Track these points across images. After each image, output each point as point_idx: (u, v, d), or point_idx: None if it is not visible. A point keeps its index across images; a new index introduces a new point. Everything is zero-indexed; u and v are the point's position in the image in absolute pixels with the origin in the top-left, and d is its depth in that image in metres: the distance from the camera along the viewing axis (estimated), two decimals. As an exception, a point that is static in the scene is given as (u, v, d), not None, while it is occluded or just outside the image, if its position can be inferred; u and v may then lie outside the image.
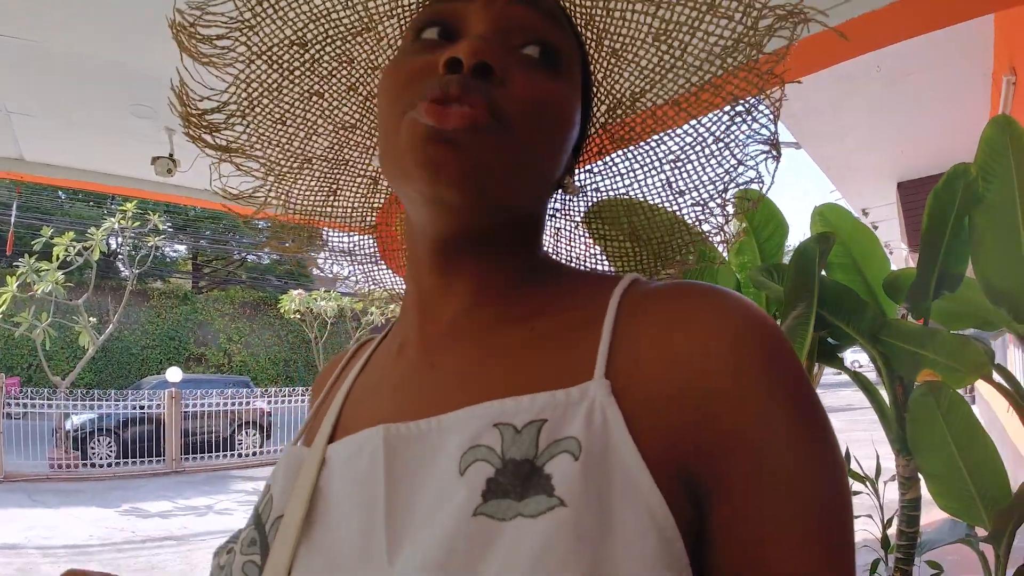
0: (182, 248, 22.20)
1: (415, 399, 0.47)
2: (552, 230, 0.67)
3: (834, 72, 3.35)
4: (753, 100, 0.55)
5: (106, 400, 10.88)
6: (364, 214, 0.71)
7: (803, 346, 2.04)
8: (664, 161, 0.60)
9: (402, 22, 0.58)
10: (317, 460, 0.48)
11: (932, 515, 2.12)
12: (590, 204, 0.64)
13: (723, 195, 0.59)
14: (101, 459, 10.46)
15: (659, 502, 0.37)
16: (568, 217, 0.66)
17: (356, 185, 0.69)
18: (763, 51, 0.52)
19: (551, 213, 0.65)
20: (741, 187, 0.59)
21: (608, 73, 0.57)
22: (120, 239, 13.70)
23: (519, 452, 0.38)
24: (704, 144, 0.58)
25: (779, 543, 0.37)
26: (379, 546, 0.41)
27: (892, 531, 2.05)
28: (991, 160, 1.76)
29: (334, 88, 0.62)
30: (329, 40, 0.59)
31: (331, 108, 0.62)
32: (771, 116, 0.56)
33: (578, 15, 0.54)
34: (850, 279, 2.29)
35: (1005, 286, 1.81)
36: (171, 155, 3.32)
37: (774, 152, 0.57)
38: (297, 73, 0.60)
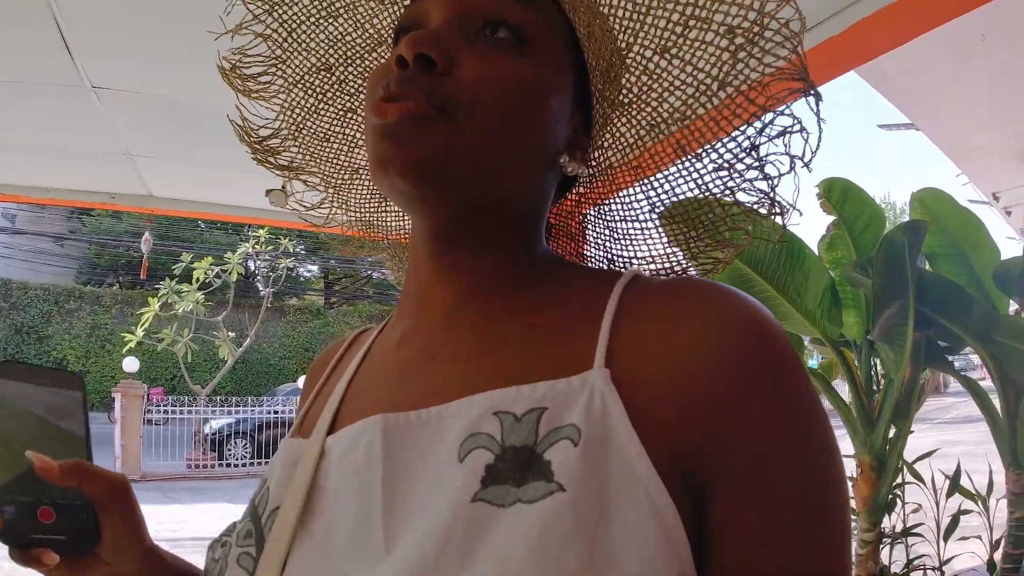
0: (314, 268, 24.08)
1: (415, 390, 0.47)
2: (579, 218, 0.66)
3: (946, 41, 3.06)
4: (756, 26, 0.48)
5: (243, 406, 12.01)
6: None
7: (903, 348, 1.87)
8: (671, 121, 0.55)
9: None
10: (315, 452, 0.48)
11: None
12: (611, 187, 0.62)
13: (754, 152, 0.52)
14: (237, 460, 11.48)
15: (659, 489, 0.37)
16: (592, 202, 0.65)
17: None
18: None
19: (592, 225, 0.65)
20: (777, 138, 0.50)
21: (592, 35, 0.53)
22: (256, 262, 15.09)
23: (519, 439, 0.39)
24: (709, 93, 0.52)
25: (775, 544, 0.37)
26: (376, 535, 0.41)
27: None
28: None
29: (363, 103, 0.65)
30: (350, 60, 0.65)
31: (366, 124, 0.69)
32: (788, 43, 0.48)
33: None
34: (957, 271, 2.09)
35: None
36: (284, 187, 3.64)
37: (808, 86, 0.48)
38: (330, 94, 0.66)
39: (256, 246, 12.84)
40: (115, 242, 20.58)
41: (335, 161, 0.70)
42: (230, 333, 12.75)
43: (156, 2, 1.83)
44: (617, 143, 0.60)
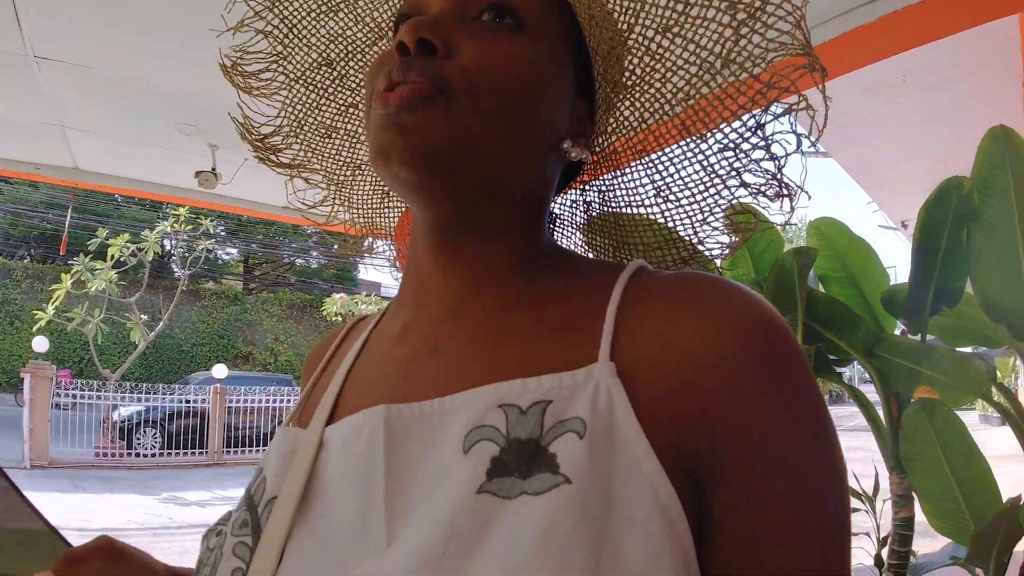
0: (234, 251, 23.06)
1: (418, 381, 0.47)
2: (583, 205, 0.65)
3: (864, 82, 3.31)
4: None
5: (153, 393, 11.46)
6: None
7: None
8: (674, 102, 0.55)
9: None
10: (314, 442, 0.47)
11: (934, 540, 2.09)
12: (615, 173, 0.61)
13: (760, 131, 0.51)
14: (146, 449, 10.94)
15: (663, 483, 0.37)
16: (596, 190, 0.64)
17: None
18: None
19: (584, 207, 0.64)
20: (783, 115, 0.51)
21: (593, 16, 0.52)
22: (174, 241, 14.37)
23: (524, 432, 0.38)
24: (713, 72, 0.52)
25: (775, 539, 0.37)
26: (377, 526, 0.40)
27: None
28: (989, 173, 1.74)
29: (365, 98, 0.66)
30: (350, 55, 0.64)
31: (366, 117, 0.67)
32: (792, 15, 0.48)
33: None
34: (847, 293, 2.28)
35: (1005, 304, 1.79)
36: (213, 169, 3.53)
37: (812, 62, 0.48)
38: (331, 90, 0.66)
39: (175, 225, 12.21)
40: (31, 212, 19.17)
41: (337, 157, 0.69)
42: (143, 316, 12.11)
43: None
44: (621, 127, 0.59)
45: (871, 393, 2.32)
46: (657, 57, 0.53)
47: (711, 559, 0.38)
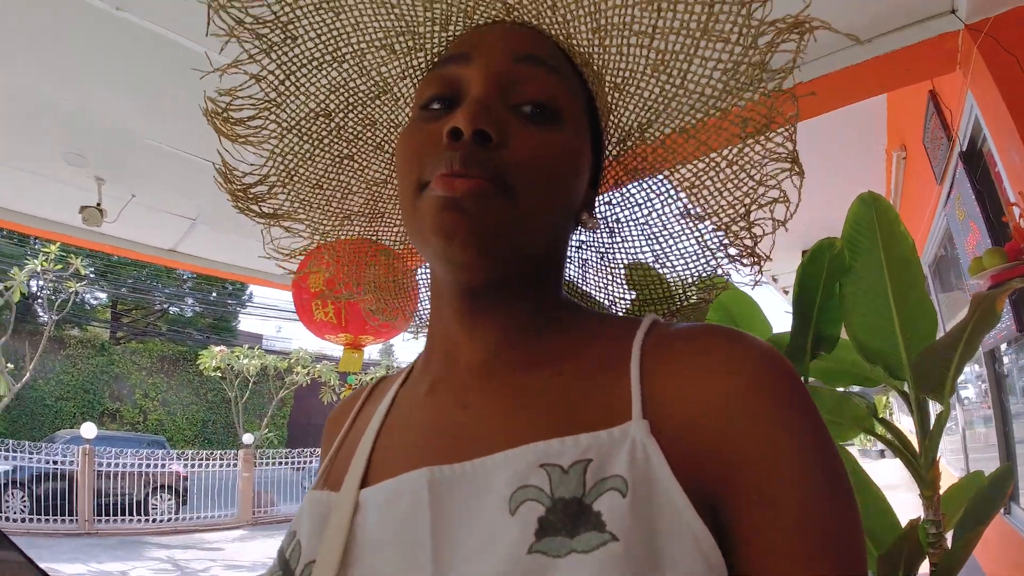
0: (102, 295, 20.96)
1: (453, 441, 0.48)
2: (579, 261, 0.69)
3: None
4: (764, 120, 0.55)
5: (20, 452, 10.18)
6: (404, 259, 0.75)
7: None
8: (679, 188, 0.61)
9: (415, 81, 0.62)
10: (350, 505, 0.48)
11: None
12: (613, 236, 0.67)
13: (746, 217, 0.59)
14: (15, 513, 9.73)
15: (704, 533, 0.39)
16: (594, 248, 0.68)
17: (393, 234, 0.72)
18: (768, 70, 0.52)
19: (577, 245, 0.68)
20: (766, 206, 0.59)
21: (614, 107, 0.58)
22: (41, 281, 13.04)
23: (567, 491, 0.40)
24: (718, 169, 0.58)
25: (791, 563, 0.39)
26: None
27: None
28: (858, 234, 1.95)
29: (362, 149, 0.65)
30: (351, 107, 0.63)
31: (362, 168, 0.66)
32: (786, 133, 0.56)
33: (575, 55, 0.55)
34: (732, 342, 2.47)
35: (878, 347, 1.97)
36: (99, 204, 3.30)
37: (797, 168, 0.57)
38: (327, 140, 0.64)
39: (44, 263, 11.05)
40: None
41: (326, 208, 0.68)
42: (8, 364, 10.77)
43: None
44: (627, 202, 0.65)
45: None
46: (671, 150, 0.59)
47: None
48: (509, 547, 0.39)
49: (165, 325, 21.84)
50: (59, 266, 11.57)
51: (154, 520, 10.95)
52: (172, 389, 19.08)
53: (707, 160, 0.58)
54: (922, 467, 1.94)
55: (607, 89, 0.57)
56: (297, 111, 0.62)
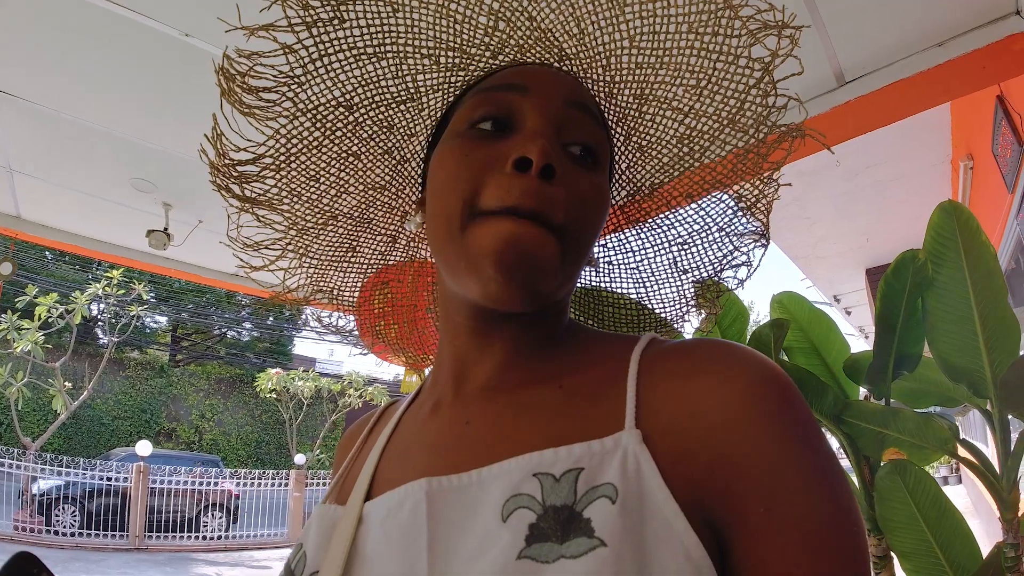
0: (162, 319, 21.84)
1: (453, 454, 0.49)
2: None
3: (797, 167, 3.57)
4: (753, 198, 0.62)
5: (75, 468, 10.60)
6: (375, 269, 0.73)
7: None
8: (673, 243, 0.67)
9: (447, 96, 0.61)
10: (354, 517, 0.49)
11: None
12: (601, 275, 0.72)
13: (718, 274, 0.66)
14: (65, 527, 10.08)
15: (695, 543, 0.39)
16: (579, 282, 0.73)
17: (375, 243, 0.71)
18: (765, 157, 0.59)
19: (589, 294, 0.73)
20: (734, 267, 0.67)
21: (631, 164, 0.62)
22: (103, 305, 13.62)
23: (558, 499, 0.41)
24: (709, 231, 0.65)
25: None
26: None
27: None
28: (940, 245, 1.87)
29: (371, 150, 0.63)
30: (374, 105, 0.60)
31: (365, 169, 0.64)
32: (765, 211, 0.63)
33: (611, 112, 0.59)
34: (811, 363, 2.37)
35: (962, 364, 1.88)
36: (166, 229, 3.42)
37: (764, 241, 0.65)
38: (339, 133, 0.61)
39: (107, 288, 11.56)
40: None
41: (315, 203, 0.65)
42: (66, 383, 11.26)
43: (83, 16, 1.74)
44: (622, 247, 0.70)
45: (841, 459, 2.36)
46: (670, 207, 0.66)
47: None
48: (499, 553, 0.39)
49: (223, 348, 22.60)
50: (121, 291, 12.07)
51: (204, 537, 11.19)
52: (228, 410, 19.68)
53: (703, 223, 0.65)
54: (1004, 489, 1.84)
55: (631, 148, 0.61)
56: (319, 96, 0.58)
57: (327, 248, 0.69)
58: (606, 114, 0.59)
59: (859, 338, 6.52)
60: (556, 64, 0.58)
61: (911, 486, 1.84)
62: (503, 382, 0.53)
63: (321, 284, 0.71)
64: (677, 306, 0.70)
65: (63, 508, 10.27)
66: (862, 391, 2.38)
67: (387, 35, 0.56)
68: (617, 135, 0.61)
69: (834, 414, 2.09)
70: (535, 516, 0.40)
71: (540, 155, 0.46)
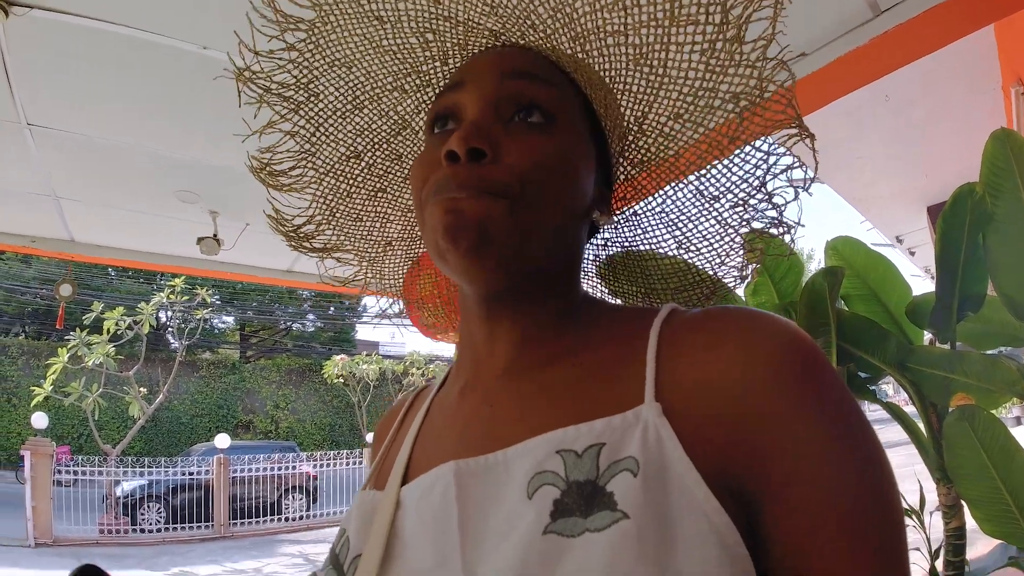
0: (230, 320, 22.86)
1: (479, 436, 0.50)
2: (608, 260, 0.70)
3: (844, 106, 3.39)
4: (755, 92, 0.54)
5: (156, 467, 11.18)
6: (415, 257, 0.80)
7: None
8: (688, 171, 0.62)
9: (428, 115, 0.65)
10: (392, 502, 0.51)
11: (985, 544, 2.04)
12: (634, 229, 0.67)
13: (763, 189, 0.58)
14: (150, 525, 10.68)
15: (717, 511, 0.39)
16: (619, 244, 0.69)
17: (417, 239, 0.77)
18: (745, 42, 0.52)
19: (603, 243, 0.69)
20: (779, 188, 0.58)
21: (607, 106, 0.59)
22: (169, 313, 14.32)
23: (581, 474, 0.41)
24: (721, 147, 0.59)
25: (824, 548, 0.38)
26: (454, 572, 0.43)
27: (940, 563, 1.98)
28: (996, 176, 1.76)
29: (392, 182, 0.70)
30: (376, 145, 0.68)
31: (395, 197, 0.71)
32: (784, 100, 0.54)
33: (564, 64, 0.56)
34: (872, 310, 2.28)
35: (1027, 300, 1.79)
36: (215, 235, 3.54)
37: (804, 133, 0.54)
38: (360, 178, 0.69)
39: (171, 296, 12.16)
40: (23, 288, 19.03)
41: (368, 237, 0.73)
42: (141, 389, 11.94)
43: (104, 44, 1.80)
44: (640, 194, 0.66)
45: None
46: (671, 138, 0.60)
47: (770, 572, 0.40)
48: (525, 530, 0.40)
49: (290, 341, 23.53)
50: (186, 297, 12.64)
51: (286, 519, 11.73)
52: (300, 398, 20.49)
53: (709, 140, 0.59)
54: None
55: (601, 92, 0.57)
56: (330, 156, 0.67)
57: (398, 267, 0.78)
58: (565, 68, 0.56)
59: (925, 279, 6.20)
60: (498, 44, 0.59)
61: (980, 433, 1.76)
62: (521, 363, 0.53)
63: (377, 275, 0.78)
64: (727, 239, 0.63)
65: (148, 507, 10.80)
66: (927, 336, 2.29)
67: (356, 89, 0.64)
68: (583, 81, 0.56)
69: (898, 361, 2.01)
70: (559, 492, 0.41)
71: (460, 141, 0.48)
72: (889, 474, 0.41)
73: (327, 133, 0.66)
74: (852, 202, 5.18)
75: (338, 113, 0.65)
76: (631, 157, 0.63)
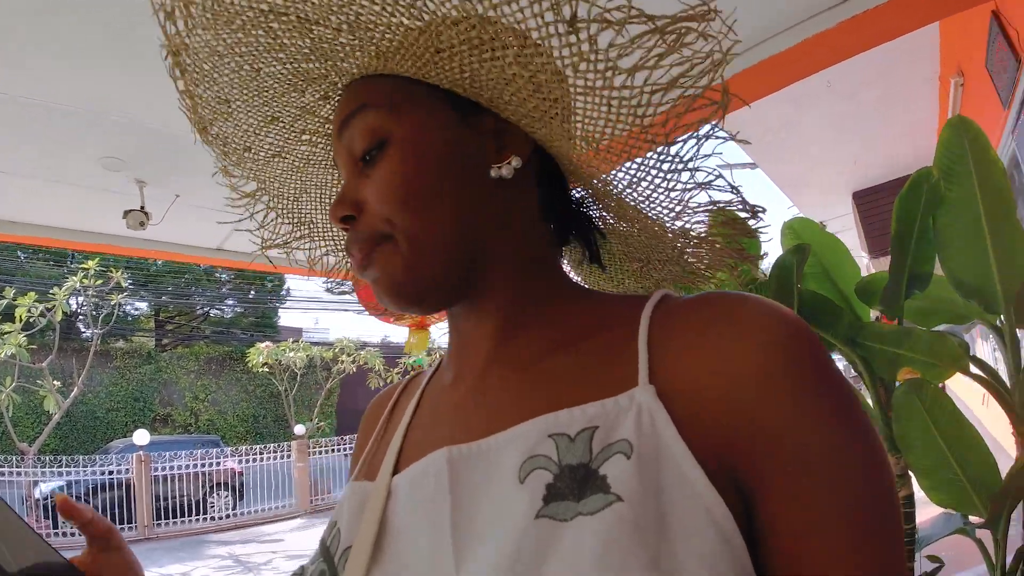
0: (143, 305, 21.45)
1: (471, 423, 0.50)
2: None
3: (786, 93, 3.51)
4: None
5: (75, 466, 10.53)
6: None
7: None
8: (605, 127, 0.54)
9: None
10: (383, 491, 0.50)
11: (928, 511, 2.16)
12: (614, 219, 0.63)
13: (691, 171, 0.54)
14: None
15: (714, 497, 0.38)
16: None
17: None
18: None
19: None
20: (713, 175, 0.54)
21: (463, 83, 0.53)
22: (81, 298, 13.38)
23: (574, 458, 0.41)
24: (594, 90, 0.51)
25: (822, 537, 0.38)
26: (446, 560, 0.42)
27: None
28: (951, 161, 1.85)
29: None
30: (298, 125, 0.64)
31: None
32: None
33: (405, 67, 0.52)
34: (823, 288, 2.36)
35: (974, 280, 1.90)
36: (143, 207, 3.29)
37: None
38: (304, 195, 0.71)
39: (84, 280, 11.29)
40: None
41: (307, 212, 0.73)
42: (56, 382, 11.09)
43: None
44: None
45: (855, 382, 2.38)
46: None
47: (766, 562, 0.40)
48: (518, 514, 0.40)
49: (208, 328, 22.34)
50: (99, 281, 11.79)
51: (212, 518, 11.27)
52: (221, 389, 19.57)
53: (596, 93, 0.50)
54: (1017, 404, 1.86)
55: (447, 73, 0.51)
56: (281, 191, 0.70)
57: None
58: (406, 71, 0.52)
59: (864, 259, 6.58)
60: (342, 87, 0.58)
61: (928, 404, 1.86)
62: (510, 351, 0.53)
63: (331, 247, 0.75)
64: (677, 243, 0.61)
65: (68, 509, 10.18)
66: (873, 313, 2.39)
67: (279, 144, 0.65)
68: (421, 71, 0.52)
69: (849, 337, 2.09)
70: (552, 476, 0.40)
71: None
72: (886, 460, 0.41)
73: (258, 140, 0.64)
74: (783, 187, 5.40)
75: (255, 128, 0.63)
76: (525, 121, 0.54)
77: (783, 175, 5.17)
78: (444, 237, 0.50)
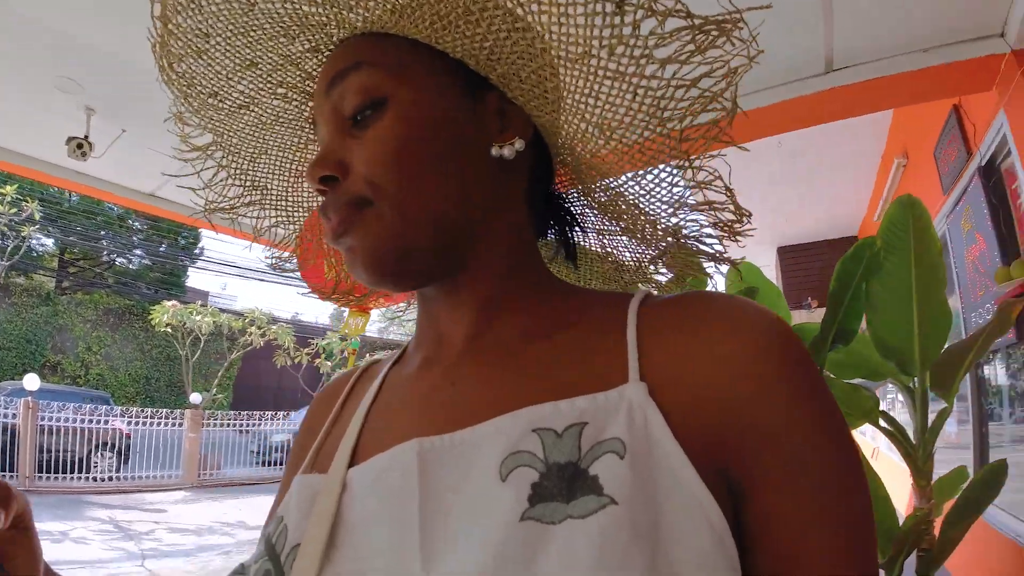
0: (49, 242, 19.79)
1: (443, 414, 0.47)
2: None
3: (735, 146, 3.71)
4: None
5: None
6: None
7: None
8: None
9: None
10: (337, 485, 0.47)
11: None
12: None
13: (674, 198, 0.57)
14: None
15: (707, 498, 0.37)
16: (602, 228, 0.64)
17: None
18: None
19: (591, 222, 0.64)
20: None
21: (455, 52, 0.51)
22: (-8, 226, 12.28)
23: (562, 455, 0.38)
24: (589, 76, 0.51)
25: (821, 534, 0.38)
26: (411, 558, 0.39)
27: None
28: (893, 235, 2.01)
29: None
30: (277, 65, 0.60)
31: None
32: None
33: (420, 27, 0.49)
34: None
35: (896, 343, 2.05)
36: (87, 136, 3.11)
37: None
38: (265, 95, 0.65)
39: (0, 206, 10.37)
40: None
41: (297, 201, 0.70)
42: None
43: None
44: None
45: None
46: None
47: (759, 560, 0.39)
48: (501, 515, 0.37)
49: (112, 277, 20.94)
50: (13, 209, 10.89)
51: (95, 478, 10.56)
52: (116, 344, 18.37)
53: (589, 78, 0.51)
54: (920, 459, 2.03)
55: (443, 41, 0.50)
56: (238, 149, 0.65)
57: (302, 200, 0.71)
58: (395, 31, 0.51)
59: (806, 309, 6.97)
60: (334, 47, 0.55)
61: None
62: (487, 339, 0.51)
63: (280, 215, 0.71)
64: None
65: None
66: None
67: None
68: (426, 38, 0.50)
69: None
70: (537, 475, 0.38)
71: (311, 178, 0.49)
72: (862, 465, 0.41)
73: (233, 83, 0.59)
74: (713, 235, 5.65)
75: (233, 71, 0.58)
76: (523, 100, 0.53)
77: (720, 215, 5.43)
78: (435, 209, 0.48)
